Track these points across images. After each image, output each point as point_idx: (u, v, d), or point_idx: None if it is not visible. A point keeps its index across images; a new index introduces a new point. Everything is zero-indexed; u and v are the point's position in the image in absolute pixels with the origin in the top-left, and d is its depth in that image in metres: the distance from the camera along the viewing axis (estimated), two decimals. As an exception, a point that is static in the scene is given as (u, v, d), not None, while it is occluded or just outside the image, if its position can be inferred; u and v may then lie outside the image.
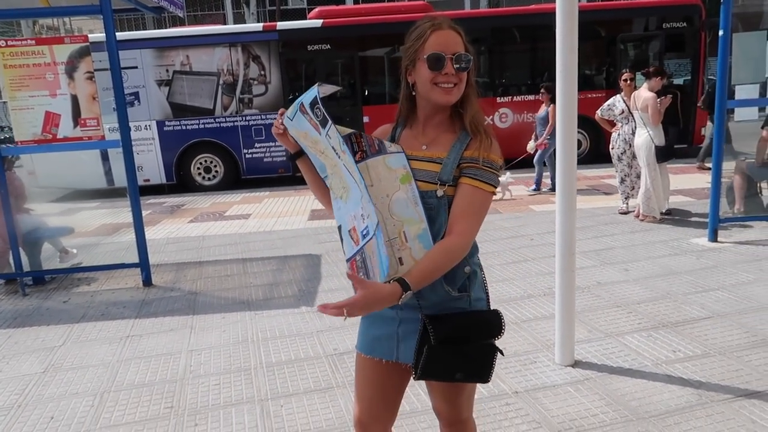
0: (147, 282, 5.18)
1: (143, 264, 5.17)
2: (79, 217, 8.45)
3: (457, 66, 1.57)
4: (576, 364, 3.26)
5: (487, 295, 1.73)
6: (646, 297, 4.20)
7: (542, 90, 8.40)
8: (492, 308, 1.70)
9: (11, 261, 5.23)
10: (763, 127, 5.90)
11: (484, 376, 1.63)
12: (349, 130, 1.62)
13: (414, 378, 1.61)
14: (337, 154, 1.57)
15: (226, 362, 3.56)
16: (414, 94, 1.66)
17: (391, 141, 1.69)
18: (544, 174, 8.54)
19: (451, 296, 1.62)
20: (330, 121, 1.53)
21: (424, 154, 1.64)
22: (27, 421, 3.01)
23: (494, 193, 1.62)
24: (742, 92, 5.32)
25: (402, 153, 1.62)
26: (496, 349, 1.62)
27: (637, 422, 2.67)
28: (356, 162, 1.53)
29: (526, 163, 9.64)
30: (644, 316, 3.86)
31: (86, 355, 3.78)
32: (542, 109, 8.45)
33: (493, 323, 1.62)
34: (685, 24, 10.41)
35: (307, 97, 1.58)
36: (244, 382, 3.28)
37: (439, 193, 1.58)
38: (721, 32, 5.05)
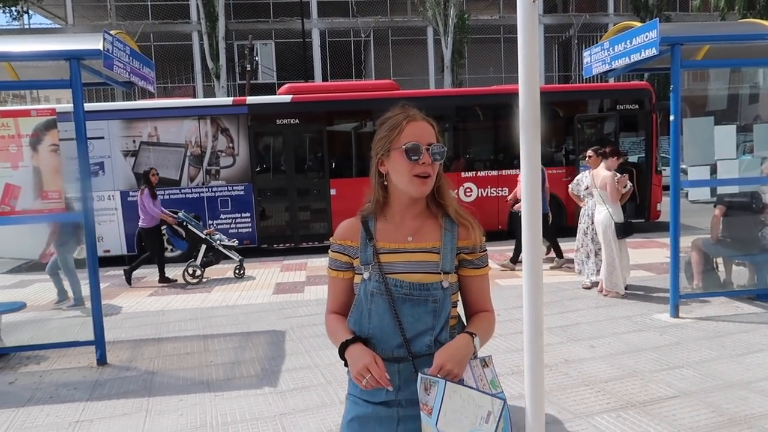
0: (101, 361, 4.93)
1: (98, 342, 4.93)
2: (32, 290, 8.09)
3: (433, 156, 1.58)
4: (547, 448, 3.19)
5: None
6: (613, 375, 4.19)
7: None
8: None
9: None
10: (715, 206, 6.16)
11: None
12: None
13: None
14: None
15: (183, 450, 3.36)
16: (386, 183, 1.64)
17: (367, 238, 1.63)
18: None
19: None
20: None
21: (415, 246, 1.62)
22: None
23: None
24: (694, 173, 5.55)
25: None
26: None
27: None
28: None
29: (498, 236, 9.69)
30: (612, 396, 3.83)
31: (30, 444, 3.53)
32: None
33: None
34: (637, 106, 11.03)
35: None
36: (201, 473, 3.09)
37: (445, 284, 1.59)
38: (672, 117, 5.34)
